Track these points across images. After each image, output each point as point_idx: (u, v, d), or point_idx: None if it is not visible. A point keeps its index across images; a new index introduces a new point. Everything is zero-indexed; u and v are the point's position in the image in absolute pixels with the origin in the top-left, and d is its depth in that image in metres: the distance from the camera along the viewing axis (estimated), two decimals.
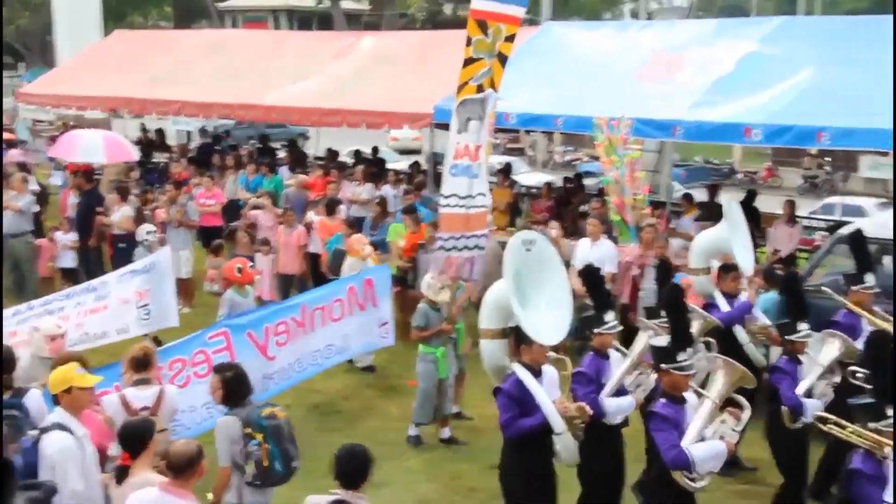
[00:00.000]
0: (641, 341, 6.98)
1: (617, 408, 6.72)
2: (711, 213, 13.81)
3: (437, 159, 16.15)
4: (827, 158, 30.77)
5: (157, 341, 11.00)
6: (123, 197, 14.09)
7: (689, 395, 5.95)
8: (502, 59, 8.45)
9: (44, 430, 5.45)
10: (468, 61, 8.46)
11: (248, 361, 8.29)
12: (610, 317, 6.89)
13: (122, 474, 5.34)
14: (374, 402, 10.36)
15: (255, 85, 17.01)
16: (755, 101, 11.28)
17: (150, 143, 22.07)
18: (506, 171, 16.69)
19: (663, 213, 13.04)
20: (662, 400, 5.83)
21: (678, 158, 27.37)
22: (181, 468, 4.91)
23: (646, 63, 13.15)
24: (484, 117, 8.51)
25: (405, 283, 12.18)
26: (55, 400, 5.65)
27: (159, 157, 20.67)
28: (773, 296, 8.94)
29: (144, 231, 12.19)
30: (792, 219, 13.70)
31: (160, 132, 23.48)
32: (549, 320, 6.37)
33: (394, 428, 9.49)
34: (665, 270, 7.87)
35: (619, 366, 6.89)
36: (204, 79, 18.07)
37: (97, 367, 6.99)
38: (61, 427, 5.44)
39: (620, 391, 6.80)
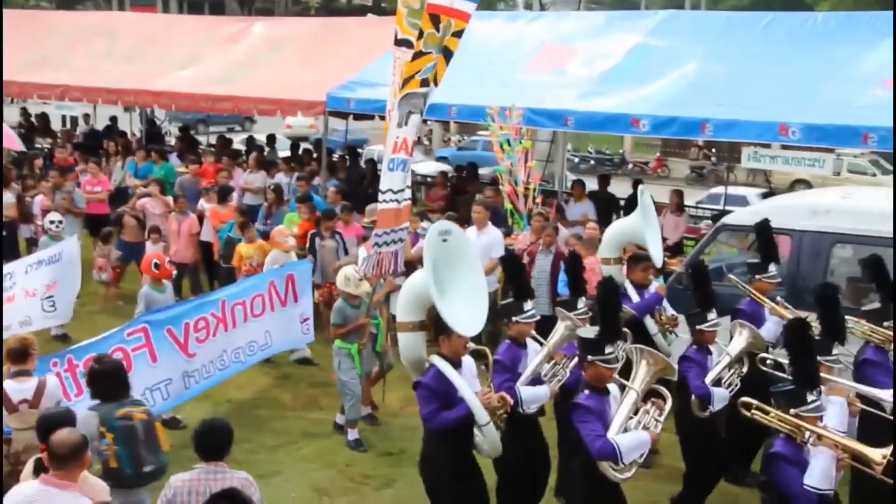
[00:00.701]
0: (559, 332, 6.99)
1: (533, 396, 6.65)
2: (602, 203, 14.19)
3: (329, 147, 16.07)
4: (713, 150, 31.78)
5: (66, 337, 10.74)
6: (5, 184, 13.58)
7: (611, 387, 5.94)
8: (447, 54, 8.33)
9: None
10: (417, 55, 8.37)
11: (168, 359, 8.34)
12: (528, 305, 6.84)
13: (41, 468, 5.05)
14: (268, 392, 10.25)
15: (144, 70, 16.56)
16: (642, 93, 11.57)
17: (33, 129, 21.31)
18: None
19: (554, 202, 13.25)
20: (586, 391, 5.78)
21: (571, 148, 27.90)
22: (64, 458, 4.74)
23: (536, 53, 13.35)
24: (423, 111, 8.46)
25: None
26: None
27: (42, 143, 19.98)
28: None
29: (49, 220, 11.71)
30: (680, 208, 14.09)
31: (43, 117, 22.67)
32: (469, 311, 6.29)
33: (287, 416, 9.48)
34: (576, 260, 7.86)
35: (535, 355, 6.85)
36: (89, 62, 17.52)
37: None
38: None
39: (535, 381, 6.76)
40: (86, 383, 6.07)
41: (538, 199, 11.53)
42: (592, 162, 32.98)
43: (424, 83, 8.36)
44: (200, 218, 12.99)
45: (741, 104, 10.67)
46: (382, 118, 24.23)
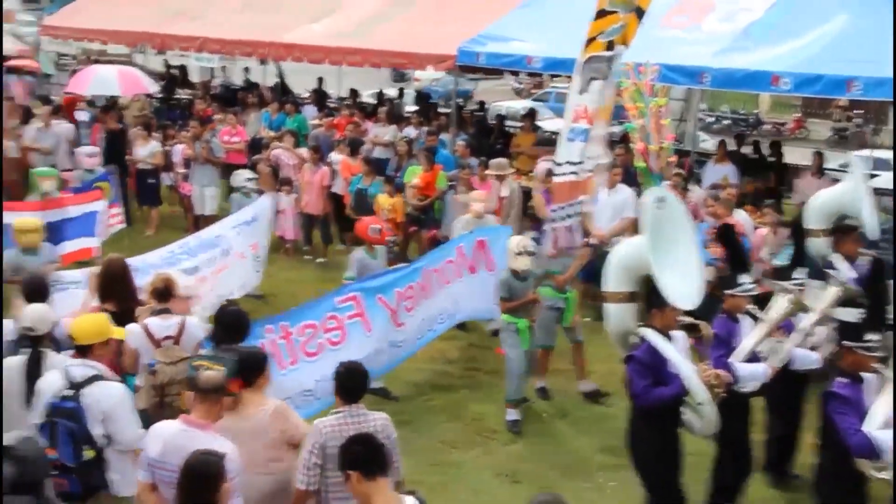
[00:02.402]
0: (780, 305, 6.45)
1: (751, 374, 6.23)
2: (740, 165, 13.75)
3: (460, 102, 16.06)
4: (857, 111, 30.33)
5: (261, 297, 10.83)
6: (148, 132, 14.14)
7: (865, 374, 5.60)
8: (640, 13, 7.53)
9: (83, 384, 5.26)
10: (601, 13, 7.58)
11: (380, 327, 8.15)
12: (745, 279, 6.47)
13: (235, 402, 5.23)
14: None
15: (277, 23, 16.83)
16: (785, 49, 11.07)
17: (173, 80, 22.02)
18: (531, 115, 16.54)
19: (687, 162, 12.93)
20: (842, 380, 5.46)
21: (705, 108, 27.10)
22: (209, 392, 4.86)
23: (672, 7, 12.93)
24: (609, 76, 7.65)
25: (420, 222, 12.25)
26: (81, 350, 5.45)
27: (182, 94, 20.64)
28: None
29: (243, 178, 11.79)
30: (820, 170, 13.56)
31: (183, 69, 23.39)
32: (685, 282, 6.00)
33: (417, 369, 9.42)
34: (729, 232, 7.24)
35: (751, 330, 6.40)
36: (225, 15, 17.91)
37: None
38: (103, 378, 5.34)
39: (752, 359, 6.33)
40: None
41: (671, 159, 11.25)
42: (727, 122, 31.98)
43: (610, 46, 7.57)
44: (332, 170, 13.22)
45: (892, 60, 10.10)
46: (513, 73, 24.06)
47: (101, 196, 10.99)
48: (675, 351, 5.86)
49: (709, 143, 19.09)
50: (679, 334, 6.10)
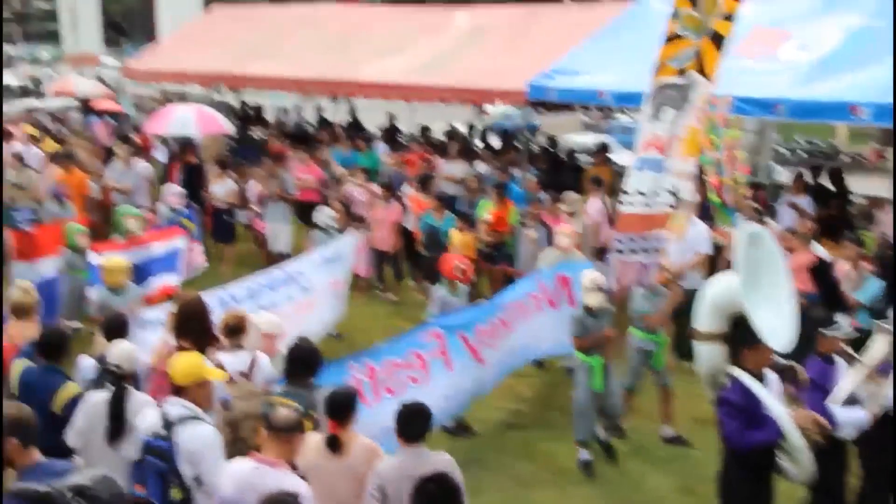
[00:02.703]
0: (879, 347, 6.12)
1: (851, 420, 6.02)
2: (819, 197, 13.44)
3: (529, 136, 16.06)
4: None
5: (340, 336, 10.84)
6: (224, 170, 14.41)
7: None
8: (717, 39, 7.18)
9: (177, 424, 5.23)
10: (671, 38, 7.31)
11: (462, 365, 8.01)
12: (842, 319, 6.29)
13: (334, 443, 5.32)
14: None
15: (348, 60, 17.09)
16: (862, 78, 10.84)
17: (248, 118, 22.47)
18: (604, 149, 16.44)
19: (762, 195, 12.69)
20: None
21: (778, 139, 26.61)
22: (286, 430, 4.89)
23: (746, 38, 12.77)
24: (683, 107, 7.39)
25: (492, 258, 12.22)
26: (176, 390, 5.40)
27: (256, 132, 21.03)
28: (880, 282, 8.52)
29: (326, 215, 11.68)
30: None
31: (257, 108, 23.87)
32: (780, 322, 5.86)
33: (489, 406, 9.27)
34: (825, 268, 6.99)
35: (848, 373, 6.16)
36: (298, 53, 18.24)
37: None
38: (197, 418, 5.30)
39: (850, 402, 6.08)
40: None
41: (746, 192, 11.06)
42: (802, 153, 31.35)
43: (682, 72, 7.27)
44: (403, 206, 13.30)
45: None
46: (584, 108, 23.96)
47: (182, 233, 11.18)
48: (767, 393, 5.68)
49: (784, 175, 18.75)
50: (772, 376, 5.92)
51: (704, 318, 6.22)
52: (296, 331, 8.58)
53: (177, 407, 5.32)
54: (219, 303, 8.47)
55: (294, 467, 4.92)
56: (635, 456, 8.51)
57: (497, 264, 12.13)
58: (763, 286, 5.92)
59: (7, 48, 58.01)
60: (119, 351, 6.01)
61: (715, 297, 6.24)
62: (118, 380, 5.92)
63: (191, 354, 5.69)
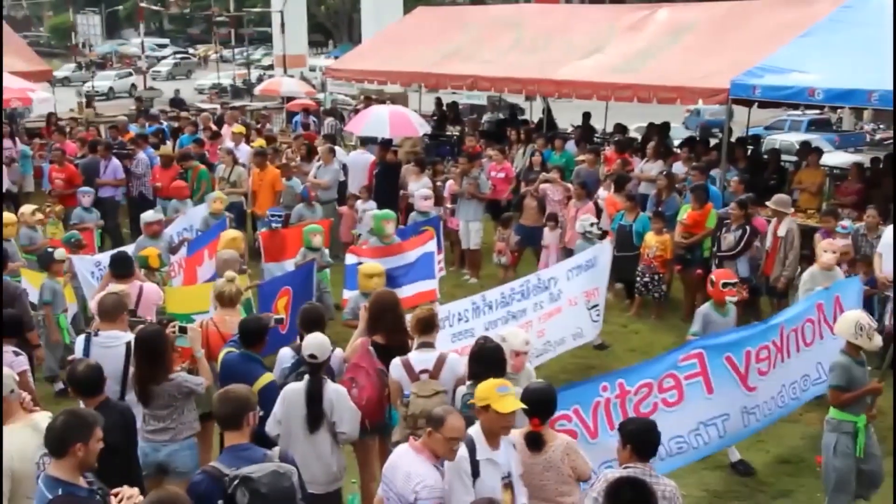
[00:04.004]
0: None
1: None
2: None
3: (731, 136, 15.46)
4: None
5: (603, 346, 10.68)
6: (421, 169, 14.66)
7: None
8: None
9: None
10: None
11: (725, 391, 7.23)
12: None
13: (536, 441, 5.40)
14: None
15: (547, 60, 17.04)
16: None
17: (444, 117, 22.81)
18: (816, 150, 15.59)
19: None
20: None
21: None
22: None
23: None
24: None
25: (686, 261, 11.88)
26: None
27: (452, 131, 21.33)
28: None
29: (588, 223, 11.16)
30: None
31: (453, 106, 24.20)
32: None
33: (707, 468, 8.22)
34: None
35: None
36: (496, 53, 18.36)
37: None
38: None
39: None
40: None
41: None
42: None
43: None
44: (597, 206, 13.11)
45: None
46: (791, 106, 22.94)
47: (433, 237, 10.96)
48: None
49: None
50: None
51: None
52: (539, 340, 8.67)
53: None
54: (472, 309, 8.46)
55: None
56: None
57: (692, 268, 11.73)
58: None
59: (223, 51, 61.60)
60: (313, 340, 6.22)
61: None
62: (314, 369, 6.12)
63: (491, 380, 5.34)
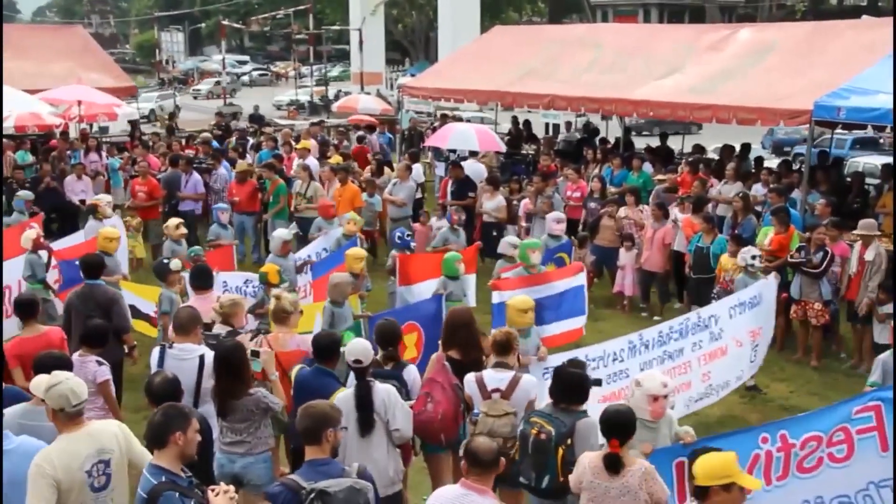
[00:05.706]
0: None
1: None
2: None
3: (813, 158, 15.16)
4: None
5: (757, 389, 10.07)
6: (495, 187, 14.68)
7: None
8: None
9: None
10: None
11: None
12: None
13: (614, 463, 5.32)
14: None
15: (624, 79, 16.95)
16: None
17: (519, 135, 22.81)
18: None
19: None
20: None
21: None
22: (486, 464, 4.96)
23: None
24: None
25: None
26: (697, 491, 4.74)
27: (527, 149, 21.32)
28: None
29: (749, 255, 10.21)
30: None
31: (527, 124, 24.20)
32: None
33: None
34: None
35: None
36: (573, 72, 18.31)
37: None
38: None
39: None
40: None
41: None
42: None
43: None
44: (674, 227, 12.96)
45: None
46: (877, 128, 22.39)
47: (582, 269, 10.31)
48: None
49: None
50: None
51: None
52: (703, 383, 8.32)
53: None
54: (629, 349, 8.14)
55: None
56: None
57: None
58: None
59: (301, 68, 62.67)
60: (357, 346, 6.35)
61: None
62: (360, 374, 6.25)
63: (729, 456, 4.83)
